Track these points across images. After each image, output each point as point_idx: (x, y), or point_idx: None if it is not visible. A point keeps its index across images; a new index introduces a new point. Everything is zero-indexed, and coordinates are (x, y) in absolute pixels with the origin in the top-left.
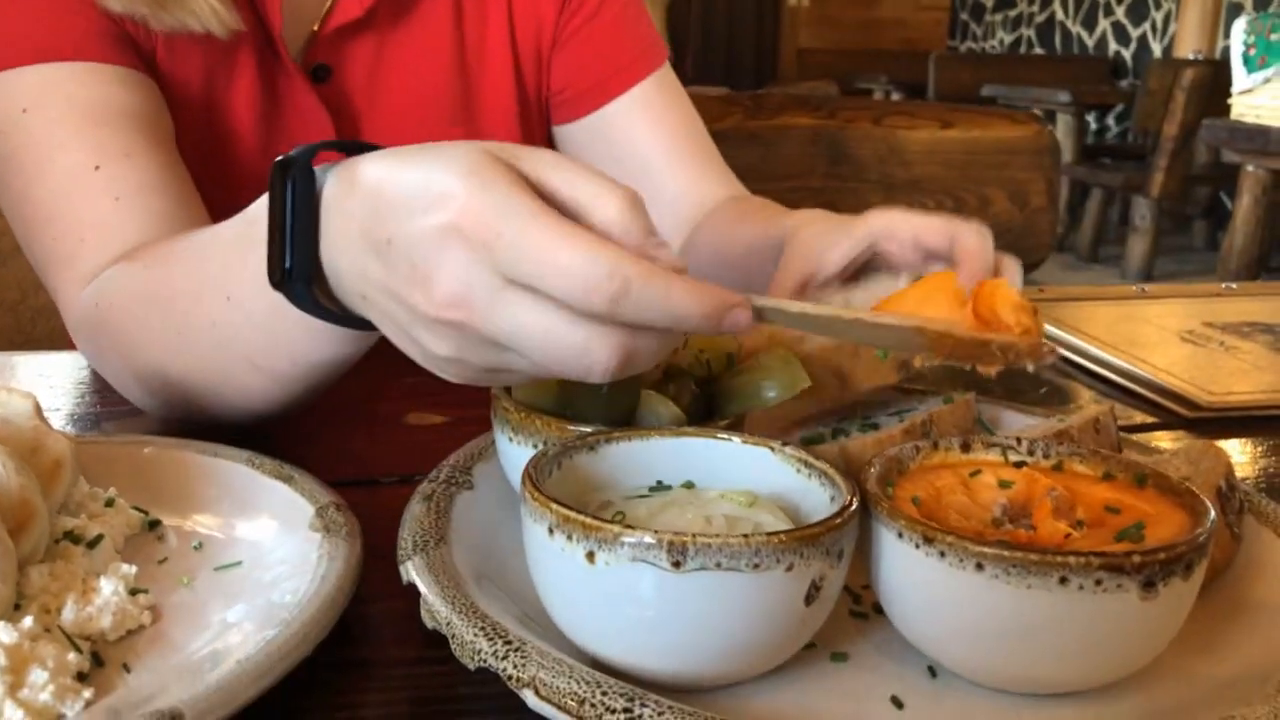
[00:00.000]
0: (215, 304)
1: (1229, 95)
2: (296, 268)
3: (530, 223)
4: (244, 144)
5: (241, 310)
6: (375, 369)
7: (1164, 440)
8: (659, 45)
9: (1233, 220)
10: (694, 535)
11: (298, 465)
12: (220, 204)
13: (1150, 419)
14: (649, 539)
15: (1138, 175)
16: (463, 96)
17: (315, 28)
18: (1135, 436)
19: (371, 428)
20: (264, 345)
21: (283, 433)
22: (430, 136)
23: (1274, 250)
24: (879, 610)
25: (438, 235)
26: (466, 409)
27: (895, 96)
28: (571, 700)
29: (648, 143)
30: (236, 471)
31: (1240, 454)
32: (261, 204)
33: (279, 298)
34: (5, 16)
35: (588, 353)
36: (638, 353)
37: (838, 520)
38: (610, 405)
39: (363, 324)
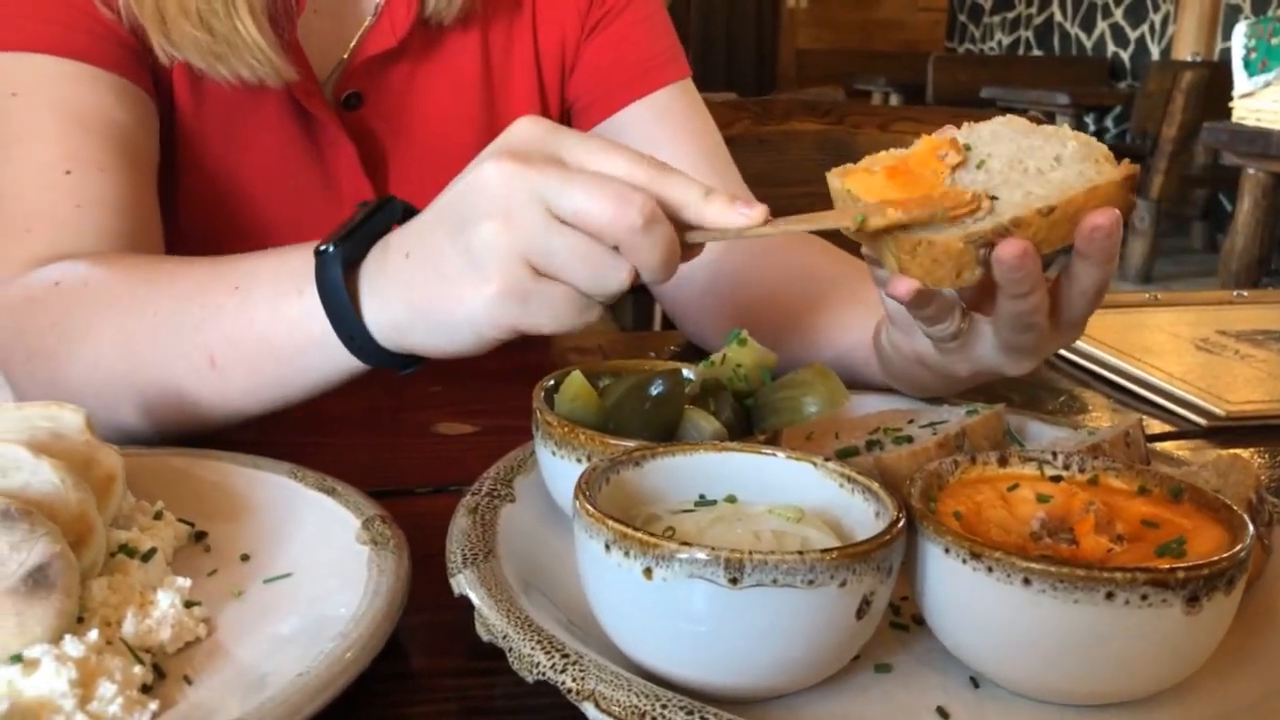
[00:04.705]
0: (210, 291)
1: (1227, 97)
2: (348, 234)
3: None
4: (268, 169)
5: (242, 297)
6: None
7: (1184, 450)
8: (681, 59)
9: (1233, 223)
10: (750, 552)
11: (329, 475)
12: (241, 225)
13: (1168, 428)
14: (707, 556)
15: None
16: (488, 120)
17: (345, 56)
18: (1156, 446)
19: (401, 438)
20: (238, 338)
21: (314, 443)
22: (455, 162)
23: (1275, 252)
24: (919, 621)
25: (481, 165)
26: (495, 418)
27: (894, 97)
28: (633, 713)
29: (666, 153)
30: (279, 483)
31: (1259, 463)
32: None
33: (293, 285)
34: (24, 4)
35: (629, 199)
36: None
37: (888, 537)
38: (652, 420)
39: (365, 343)
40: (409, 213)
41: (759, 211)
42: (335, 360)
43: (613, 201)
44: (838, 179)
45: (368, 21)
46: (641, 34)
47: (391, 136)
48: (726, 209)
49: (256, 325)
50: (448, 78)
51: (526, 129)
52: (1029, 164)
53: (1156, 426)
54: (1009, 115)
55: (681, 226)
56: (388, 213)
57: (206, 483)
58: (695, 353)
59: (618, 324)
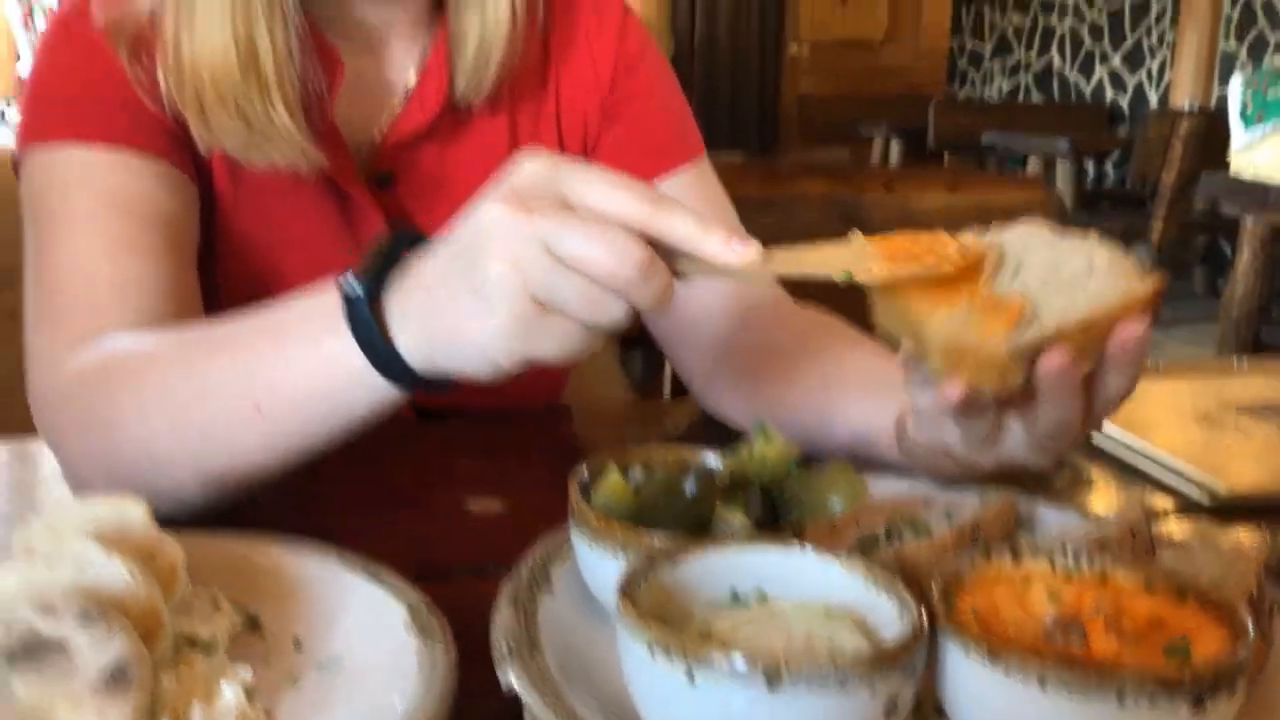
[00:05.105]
0: (248, 344)
1: (1225, 145)
2: (372, 274)
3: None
4: (303, 246)
5: (279, 343)
6: (430, 453)
7: (1186, 529)
8: (697, 140)
9: (1233, 272)
10: (787, 661)
11: (367, 554)
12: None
13: (1172, 505)
14: (746, 663)
15: (1138, 222)
16: None
17: (378, 138)
18: (1161, 524)
19: (434, 516)
20: (280, 383)
21: (353, 521)
22: None
23: (1275, 302)
24: (939, 711)
25: (487, 207)
26: (524, 494)
27: (895, 142)
28: None
29: None
30: (325, 567)
31: (1259, 543)
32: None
33: (325, 325)
34: (73, 97)
35: (626, 251)
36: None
37: (914, 642)
38: (686, 517)
39: (401, 371)
40: (417, 238)
41: (754, 251)
42: (377, 392)
43: (610, 252)
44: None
45: (399, 104)
46: (659, 117)
47: (422, 213)
48: (721, 247)
49: (295, 367)
50: (476, 157)
51: (530, 168)
52: (1063, 273)
53: (1160, 503)
54: (1033, 220)
55: (677, 257)
56: (400, 244)
57: (257, 566)
58: (713, 425)
59: (629, 378)
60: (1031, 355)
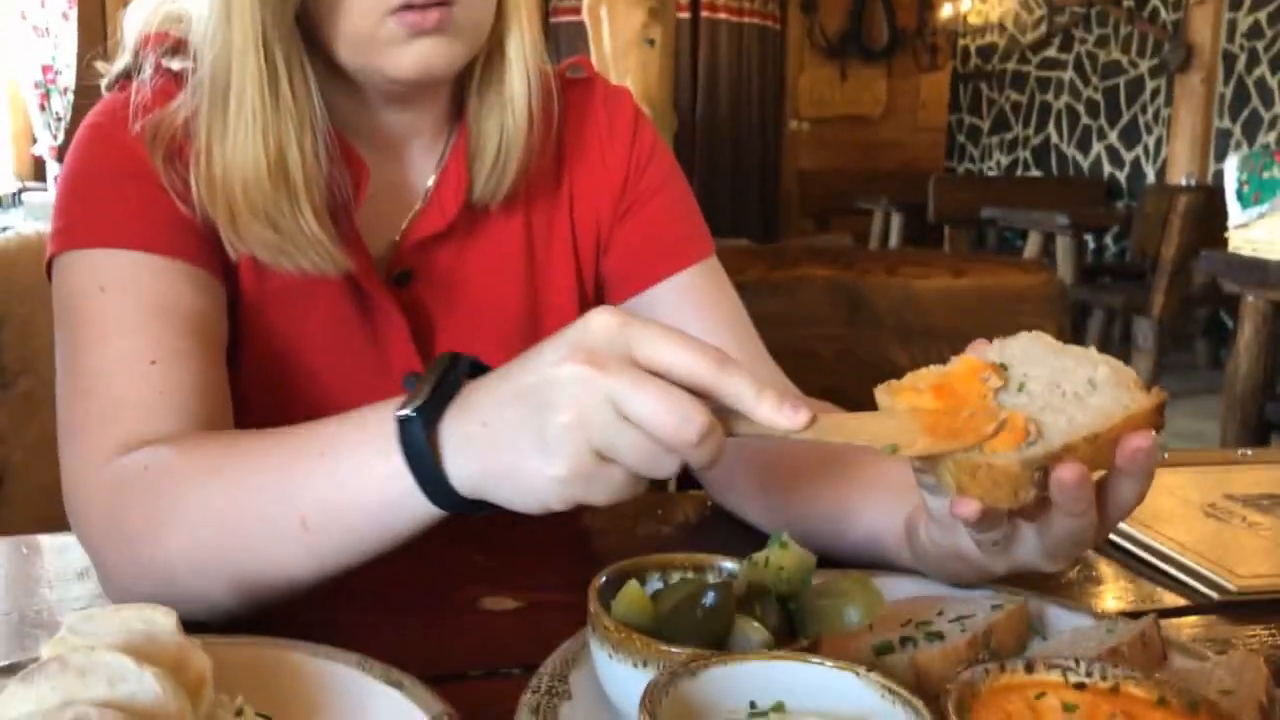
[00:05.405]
0: (296, 460)
1: (1223, 219)
2: (427, 399)
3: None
4: (324, 342)
5: (330, 463)
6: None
7: (1196, 627)
8: (707, 238)
9: (1235, 349)
10: None
11: (380, 654)
12: (298, 393)
13: (1180, 601)
14: None
15: (1138, 295)
16: (529, 295)
17: (397, 237)
18: (1171, 622)
19: (447, 614)
20: (328, 499)
21: (357, 616)
22: (500, 336)
23: (1278, 376)
24: None
25: (560, 361)
26: (537, 592)
27: (895, 216)
28: None
29: (694, 327)
30: (348, 675)
31: (1269, 640)
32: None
33: (377, 449)
34: (109, 201)
35: (689, 416)
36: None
37: None
38: (704, 629)
39: (447, 495)
40: (475, 366)
41: (804, 417)
42: (420, 511)
43: (675, 418)
44: (886, 396)
45: (418, 205)
46: (670, 217)
47: (439, 311)
48: (775, 411)
49: (347, 488)
50: (493, 255)
51: (601, 324)
52: (1065, 387)
53: (1168, 599)
54: (1036, 332)
55: (731, 415)
56: (458, 371)
57: (280, 674)
58: (722, 517)
59: None
60: (1043, 469)
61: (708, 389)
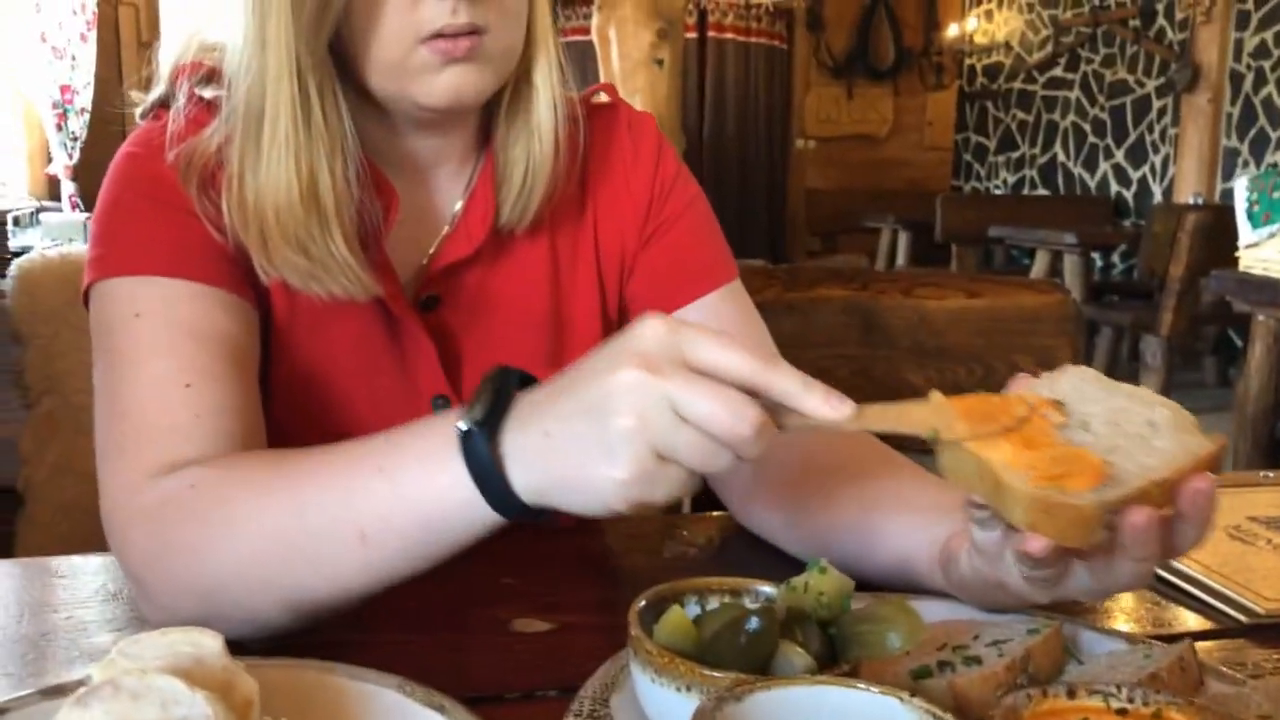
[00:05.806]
0: (352, 475)
1: (1231, 237)
2: (486, 412)
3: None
4: (352, 365)
5: (391, 477)
6: (469, 573)
7: (1225, 649)
8: (730, 262)
9: (1246, 368)
10: None
11: (412, 676)
12: (327, 414)
13: (1209, 625)
14: None
15: (1147, 314)
16: (555, 319)
17: (424, 262)
18: (1204, 646)
19: (479, 635)
20: (388, 512)
21: (390, 635)
22: (525, 359)
23: None
24: None
25: (618, 367)
26: (568, 613)
27: (903, 235)
28: None
29: None
30: (389, 698)
31: None
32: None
33: (438, 462)
34: (143, 231)
35: (743, 413)
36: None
37: None
38: (748, 654)
39: (509, 502)
40: (524, 378)
41: (850, 408)
42: (481, 520)
43: (730, 414)
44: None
45: (446, 230)
46: (695, 241)
47: (465, 335)
48: (823, 403)
49: (408, 500)
50: (518, 280)
51: (653, 331)
52: (1126, 428)
53: (1196, 623)
54: (1081, 368)
55: (779, 410)
56: (510, 384)
57: (322, 696)
58: (748, 538)
59: None
60: (1113, 512)
61: (757, 386)
